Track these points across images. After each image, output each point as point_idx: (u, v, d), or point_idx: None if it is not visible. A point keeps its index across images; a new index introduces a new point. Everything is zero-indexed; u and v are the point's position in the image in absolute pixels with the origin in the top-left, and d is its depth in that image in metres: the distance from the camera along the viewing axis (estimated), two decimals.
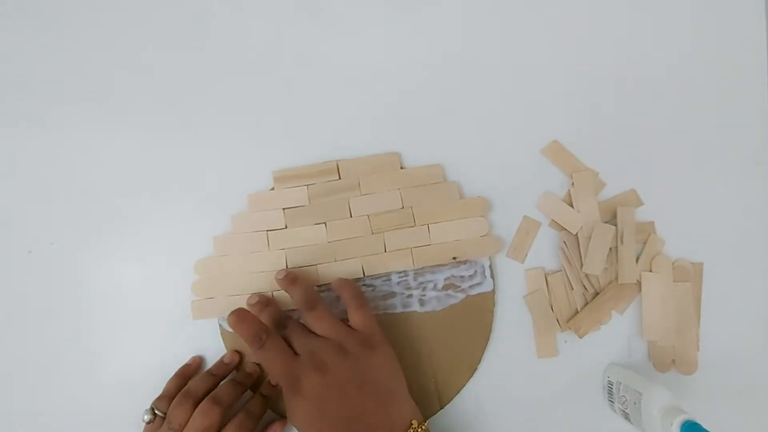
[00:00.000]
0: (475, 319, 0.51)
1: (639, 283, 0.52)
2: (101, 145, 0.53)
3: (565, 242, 0.52)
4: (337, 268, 0.51)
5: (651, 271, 0.52)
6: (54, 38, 0.53)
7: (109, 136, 0.53)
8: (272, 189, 0.52)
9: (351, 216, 0.51)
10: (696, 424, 0.42)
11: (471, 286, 0.51)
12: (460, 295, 0.51)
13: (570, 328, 0.51)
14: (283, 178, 0.52)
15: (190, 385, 0.46)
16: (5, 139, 0.53)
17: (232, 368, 0.49)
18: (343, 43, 0.54)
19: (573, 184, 0.52)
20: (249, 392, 0.49)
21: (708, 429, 0.41)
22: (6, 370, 0.51)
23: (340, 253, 0.51)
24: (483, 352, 0.51)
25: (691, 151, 0.54)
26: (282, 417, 0.50)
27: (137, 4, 0.53)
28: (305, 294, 0.47)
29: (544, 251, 0.53)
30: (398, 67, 0.54)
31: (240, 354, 0.50)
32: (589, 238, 0.51)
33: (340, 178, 0.52)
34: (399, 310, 0.51)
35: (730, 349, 0.53)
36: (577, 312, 0.52)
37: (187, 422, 0.44)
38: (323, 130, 0.53)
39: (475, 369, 0.51)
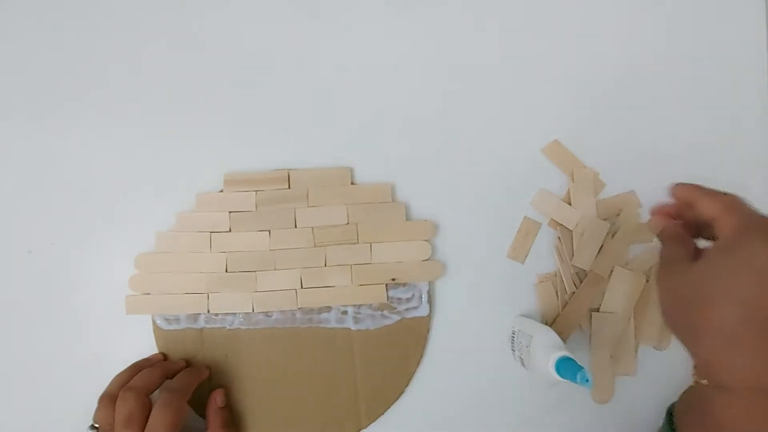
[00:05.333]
0: (407, 343, 0.51)
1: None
2: (101, 145, 0.53)
3: (559, 238, 0.52)
4: (275, 277, 0.51)
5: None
6: (54, 39, 0.53)
7: (109, 136, 0.53)
8: (221, 191, 0.52)
9: (296, 226, 0.51)
10: (570, 359, 0.42)
11: (407, 309, 0.51)
12: (395, 317, 0.51)
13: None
14: (233, 181, 0.52)
15: (107, 387, 0.46)
16: (5, 139, 0.53)
17: (154, 363, 0.49)
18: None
19: (573, 179, 0.52)
20: None
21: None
22: (5, 370, 0.51)
23: (280, 262, 0.51)
24: (412, 376, 0.51)
25: (690, 152, 0.54)
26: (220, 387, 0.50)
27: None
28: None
29: (545, 252, 0.53)
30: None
31: (164, 355, 0.50)
32: (583, 233, 0.52)
33: (289, 187, 0.52)
34: (332, 325, 0.51)
35: None
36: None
37: (113, 420, 0.44)
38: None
39: (403, 391, 0.51)
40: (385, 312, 0.51)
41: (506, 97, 0.54)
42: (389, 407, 0.51)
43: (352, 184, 0.52)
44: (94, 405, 0.46)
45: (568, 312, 0.51)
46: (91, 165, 0.53)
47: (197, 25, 0.54)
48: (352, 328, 0.51)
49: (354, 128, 0.54)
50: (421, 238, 0.52)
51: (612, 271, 0.52)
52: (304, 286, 0.51)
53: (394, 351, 0.51)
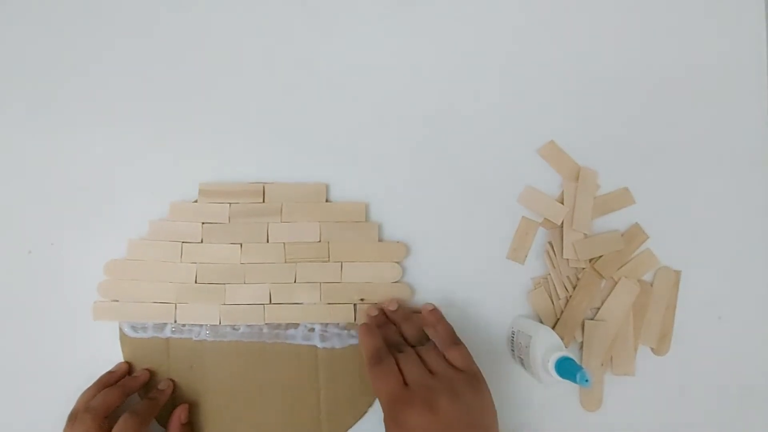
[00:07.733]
0: None
1: (606, 283, 0.53)
2: (102, 145, 0.53)
3: (550, 243, 0.52)
4: (244, 291, 0.51)
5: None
6: (53, 40, 0.54)
7: (109, 136, 0.53)
8: (195, 201, 0.52)
9: (268, 241, 0.51)
10: (569, 359, 0.42)
11: None
12: None
13: None
14: (208, 192, 0.52)
15: (74, 405, 0.46)
16: (5, 139, 0.53)
17: (119, 377, 0.49)
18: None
19: (577, 179, 0.53)
20: None
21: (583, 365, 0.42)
22: (5, 370, 0.51)
23: (250, 276, 0.51)
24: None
25: (689, 153, 0.54)
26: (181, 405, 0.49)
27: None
28: (450, 329, 0.48)
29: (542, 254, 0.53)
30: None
31: (129, 365, 0.50)
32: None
33: (264, 201, 0.52)
34: (299, 341, 0.51)
35: (729, 350, 0.53)
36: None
37: None
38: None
39: (365, 411, 0.51)
40: (352, 331, 0.51)
41: (505, 97, 0.54)
42: (351, 426, 0.51)
43: (327, 201, 0.52)
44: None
45: (567, 316, 0.51)
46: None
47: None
48: (319, 346, 0.51)
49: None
50: (392, 259, 0.52)
51: (616, 279, 0.52)
52: (272, 302, 0.51)
53: (360, 370, 0.51)
